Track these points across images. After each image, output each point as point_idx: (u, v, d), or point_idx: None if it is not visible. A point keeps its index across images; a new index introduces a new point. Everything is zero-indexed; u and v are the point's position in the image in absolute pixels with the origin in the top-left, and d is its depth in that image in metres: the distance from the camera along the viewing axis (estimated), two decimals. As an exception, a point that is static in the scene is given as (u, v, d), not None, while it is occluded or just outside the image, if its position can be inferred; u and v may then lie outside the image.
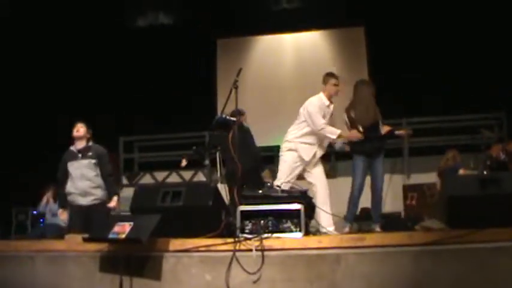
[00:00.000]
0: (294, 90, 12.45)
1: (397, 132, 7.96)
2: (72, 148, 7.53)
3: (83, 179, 7.35)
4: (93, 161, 7.42)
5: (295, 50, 12.97)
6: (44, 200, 10.61)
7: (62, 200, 7.65)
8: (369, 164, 7.50)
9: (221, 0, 12.39)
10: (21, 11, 11.71)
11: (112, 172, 7.72)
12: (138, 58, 12.71)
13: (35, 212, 10.84)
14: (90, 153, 7.44)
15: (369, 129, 7.44)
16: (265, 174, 9.38)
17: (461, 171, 9.06)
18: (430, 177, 10.42)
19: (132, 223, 5.21)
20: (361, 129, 7.40)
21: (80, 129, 7.49)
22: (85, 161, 7.39)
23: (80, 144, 7.48)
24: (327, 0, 12.07)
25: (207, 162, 10.81)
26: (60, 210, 7.69)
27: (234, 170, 8.20)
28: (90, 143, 7.57)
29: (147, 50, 12.79)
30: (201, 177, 12.77)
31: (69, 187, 7.40)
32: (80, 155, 7.42)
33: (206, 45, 12.93)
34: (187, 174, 12.78)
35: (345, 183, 11.24)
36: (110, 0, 12.25)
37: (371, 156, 7.47)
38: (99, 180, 7.46)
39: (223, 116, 7.29)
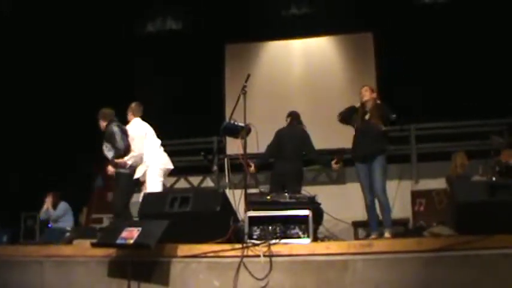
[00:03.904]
0: (302, 95, 12.45)
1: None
2: None
3: None
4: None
5: (304, 56, 12.94)
6: (45, 207, 10.63)
7: None
8: (369, 169, 7.43)
9: (230, 6, 12.39)
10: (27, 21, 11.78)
11: None
12: (146, 63, 12.71)
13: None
14: None
15: (363, 133, 7.47)
16: None
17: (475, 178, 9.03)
18: (439, 183, 10.38)
19: (140, 229, 5.21)
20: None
21: None
22: None
23: None
24: (335, 6, 12.04)
25: (215, 168, 10.81)
26: None
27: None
28: None
29: (155, 55, 12.80)
30: (209, 183, 12.76)
31: None
32: None
33: (215, 50, 12.92)
34: (195, 180, 12.78)
35: (353, 190, 11.24)
36: (118, 6, 12.25)
37: (366, 161, 7.42)
38: None
39: (232, 121, 7.29)
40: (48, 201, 10.57)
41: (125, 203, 8.13)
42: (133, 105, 8.46)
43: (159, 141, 8.46)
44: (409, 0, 12.24)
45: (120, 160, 7.97)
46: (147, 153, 8.20)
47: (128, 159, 8.03)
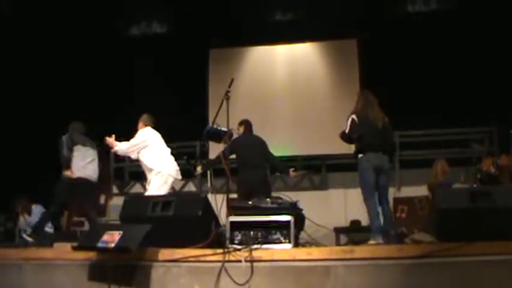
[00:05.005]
0: (286, 101, 12.47)
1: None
2: None
3: None
4: None
5: (288, 62, 12.95)
6: (21, 218, 10.51)
7: None
8: None
9: (215, 11, 12.39)
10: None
11: None
12: (129, 67, 12.65)
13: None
14: None
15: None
16: None
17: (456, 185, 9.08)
18: (421, 190, 10.40)
19: (121, 232, 5.19)
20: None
21: None
22: None
23: None
24: (320, 12, 12.07)
25: (197, 172, 10.79)
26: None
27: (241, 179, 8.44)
28: None
29: (139, 58, 12.74)
30: (191, 187, 12.72)
31: None
32: None
33: (199, 55, 12.90)
34: (177, 184, 12.72)
35: (335, 196, 11.29)
36: (103, 9, 12.21)
37: None
38: None
39: (214, 126, 7.29)
40: (21, 213, 10.44)
41: (58, 209, 8.72)
42: (144, 115, 8.58)
43: (168, 150, 8.38)
44: (393, 9, 12.33)
45: (110, 140, 8.23)
46: (153, 160, 8.12)
47: (117, 147, 8.21)
